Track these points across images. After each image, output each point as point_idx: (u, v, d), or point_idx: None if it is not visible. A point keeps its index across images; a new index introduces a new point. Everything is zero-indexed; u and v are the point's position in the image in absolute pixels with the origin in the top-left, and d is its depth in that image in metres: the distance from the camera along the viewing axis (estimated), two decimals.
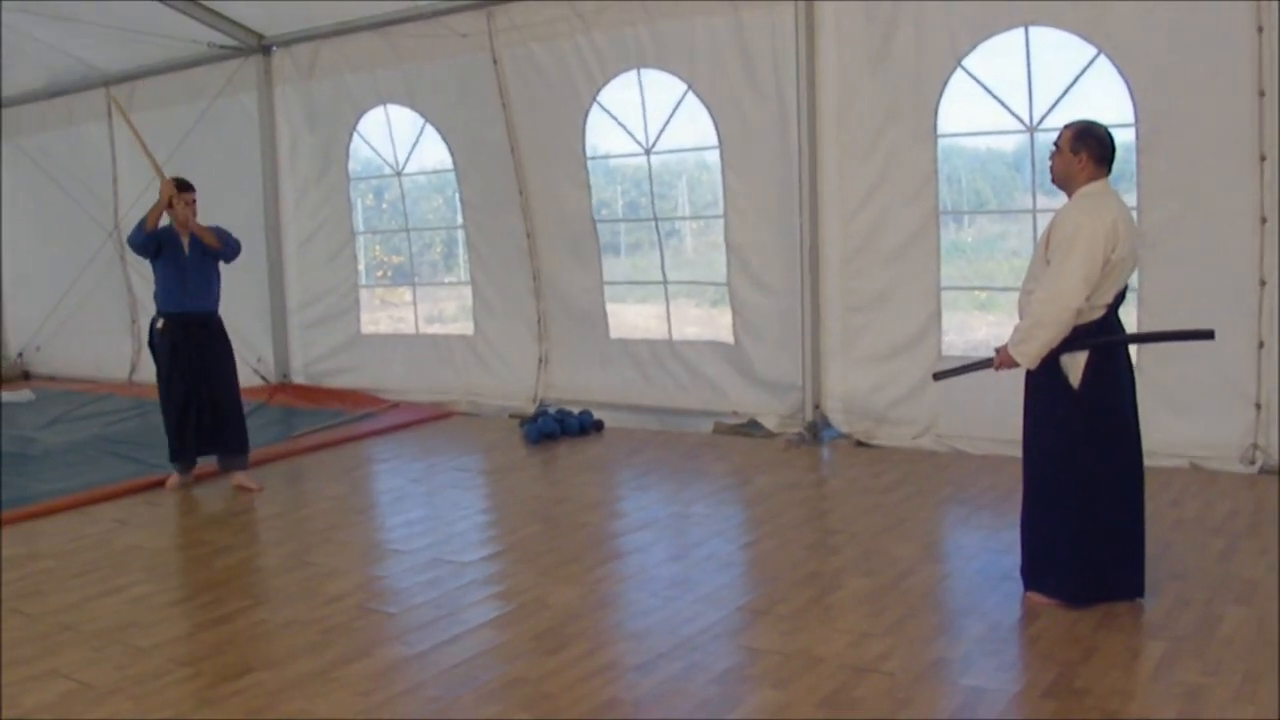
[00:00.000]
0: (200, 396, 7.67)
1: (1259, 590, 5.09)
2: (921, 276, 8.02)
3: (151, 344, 7.88)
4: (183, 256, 7.66)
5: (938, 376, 5.66)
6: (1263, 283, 6.95)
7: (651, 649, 4.74)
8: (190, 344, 7.67)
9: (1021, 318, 4.96)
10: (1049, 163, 5.05)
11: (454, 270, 12.59)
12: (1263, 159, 6.83)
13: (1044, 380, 4.95)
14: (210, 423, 7.74)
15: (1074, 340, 4.83)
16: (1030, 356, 4.85)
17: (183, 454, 7.79)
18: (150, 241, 7.57)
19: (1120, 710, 4.03)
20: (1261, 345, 7.02)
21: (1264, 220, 6.88)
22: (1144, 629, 4.75)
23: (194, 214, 7.62)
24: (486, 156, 9.95)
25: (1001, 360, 5.00)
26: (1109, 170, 4.94)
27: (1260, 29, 6.71)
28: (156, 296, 7.79)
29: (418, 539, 6.53)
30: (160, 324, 7.72)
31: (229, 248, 7.82)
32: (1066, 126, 4.99)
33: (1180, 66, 7.02)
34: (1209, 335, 5.17)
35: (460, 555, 6.17)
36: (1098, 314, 4.86)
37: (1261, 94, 6.77)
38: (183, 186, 7.61)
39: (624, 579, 5.74)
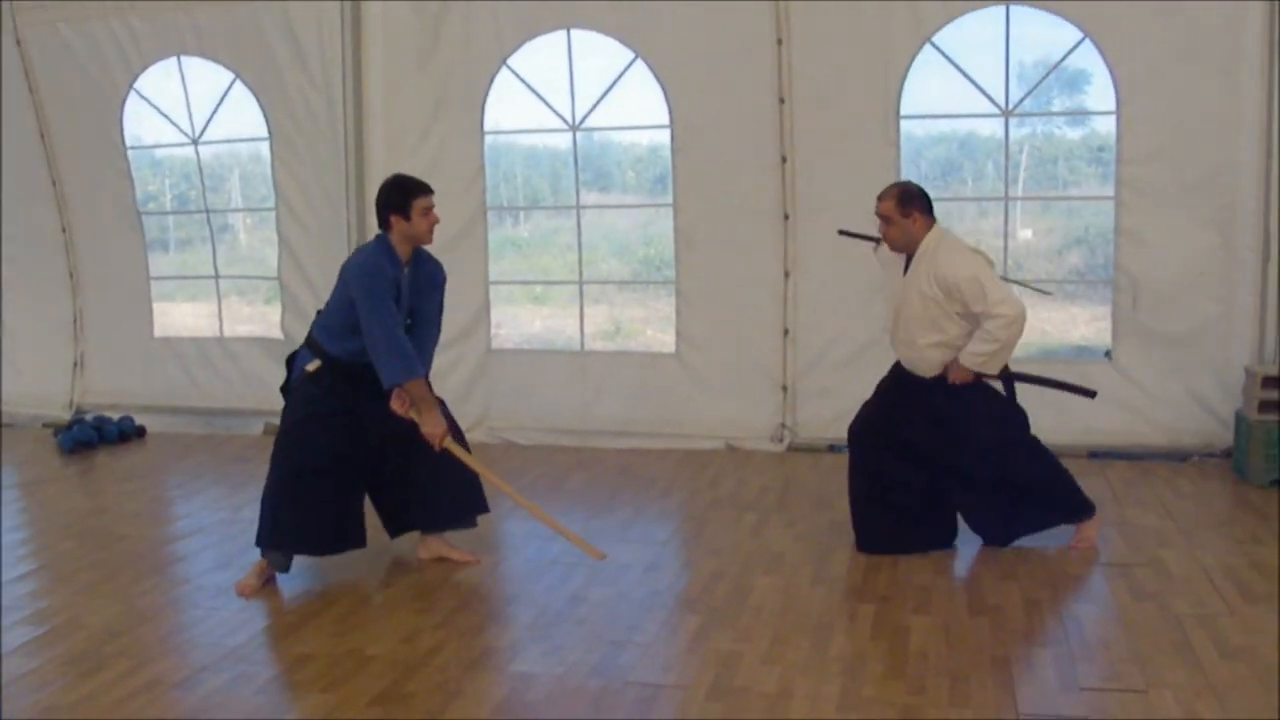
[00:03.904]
0: None
1: (785, 560, 5.54)
2: (471, 271, 8.10)
3: None
4: None
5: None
6: (787, 274, 7.59)
7: (196, 662, 4.59)
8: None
9: (912, 368, 5.56)
10: (882, 235, 5.42)
11: None
12: (784, 160, 7.44)
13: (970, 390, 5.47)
14: None
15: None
16: (998, 367, 5.42)
17: None
18: None
19: (660, 680, 4.30)
20: (787, 332, 7.65)
21: (787, 217, 7.51)
22: (683, 604, 5.07)
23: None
24: (12, 144, 9.21)
25: (959, 377, 5.43)
26: (934, 217, 5.39)
27: (780, 41, 7.31)
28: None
29: None
30: None
31: None
32: (881, 199, 5.35)
33: (710, 73, 7.54)
34: (1091, 395, 5.80)
35: None
36: None
37: (781, 101, 7.38)
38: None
39: (167, 591, 5.51)
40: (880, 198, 5.38)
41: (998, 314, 5.19)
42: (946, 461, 5.56)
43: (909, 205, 5.31)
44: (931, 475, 5.60)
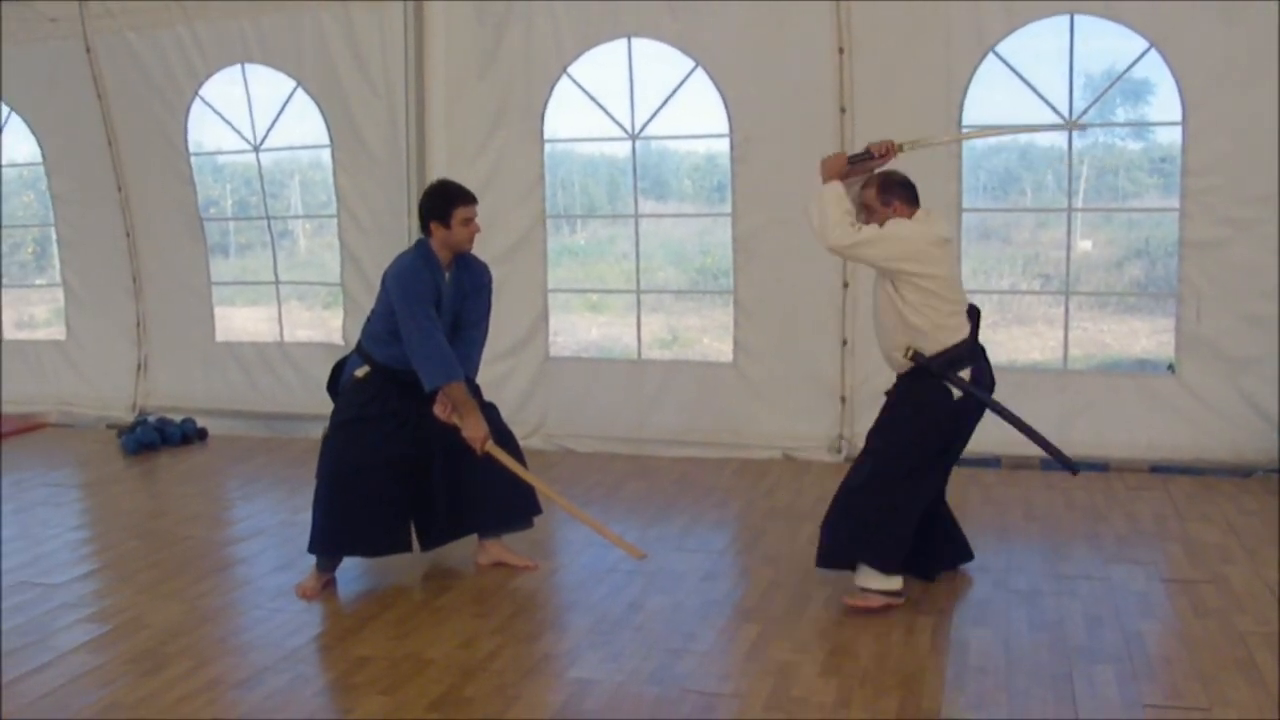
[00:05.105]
0: None
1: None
2: (530, 278, 8.16)
3: None
4: None
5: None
6: (845, 285, 7.54)
7: (256, 663, 4.65)
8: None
9: (886, 357, 5.15)
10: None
11: (47, 272, 11.81)
12: None
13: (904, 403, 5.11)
14: None
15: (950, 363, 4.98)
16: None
17: None
18: None
19: (717, 689, 4.30)
20: (845, 343, 7.61)
21: None
22: (741, 613, 5.06)
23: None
24: (80, 150, 9.39)
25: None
26: (918, 204, 5.10)
27: (841, 50, 7.28)
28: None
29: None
30: None
31: None
32: (865, 186, 5.11)
33: (771, 82, 7.52)
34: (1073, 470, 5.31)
35: (50, 577, 5.81)
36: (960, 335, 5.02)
37: (843, 110, 7.35)
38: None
39: (228, 592, 5.59)
40: (864, 185, 5.16)
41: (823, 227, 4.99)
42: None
43: (889, 194, 5.05)
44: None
